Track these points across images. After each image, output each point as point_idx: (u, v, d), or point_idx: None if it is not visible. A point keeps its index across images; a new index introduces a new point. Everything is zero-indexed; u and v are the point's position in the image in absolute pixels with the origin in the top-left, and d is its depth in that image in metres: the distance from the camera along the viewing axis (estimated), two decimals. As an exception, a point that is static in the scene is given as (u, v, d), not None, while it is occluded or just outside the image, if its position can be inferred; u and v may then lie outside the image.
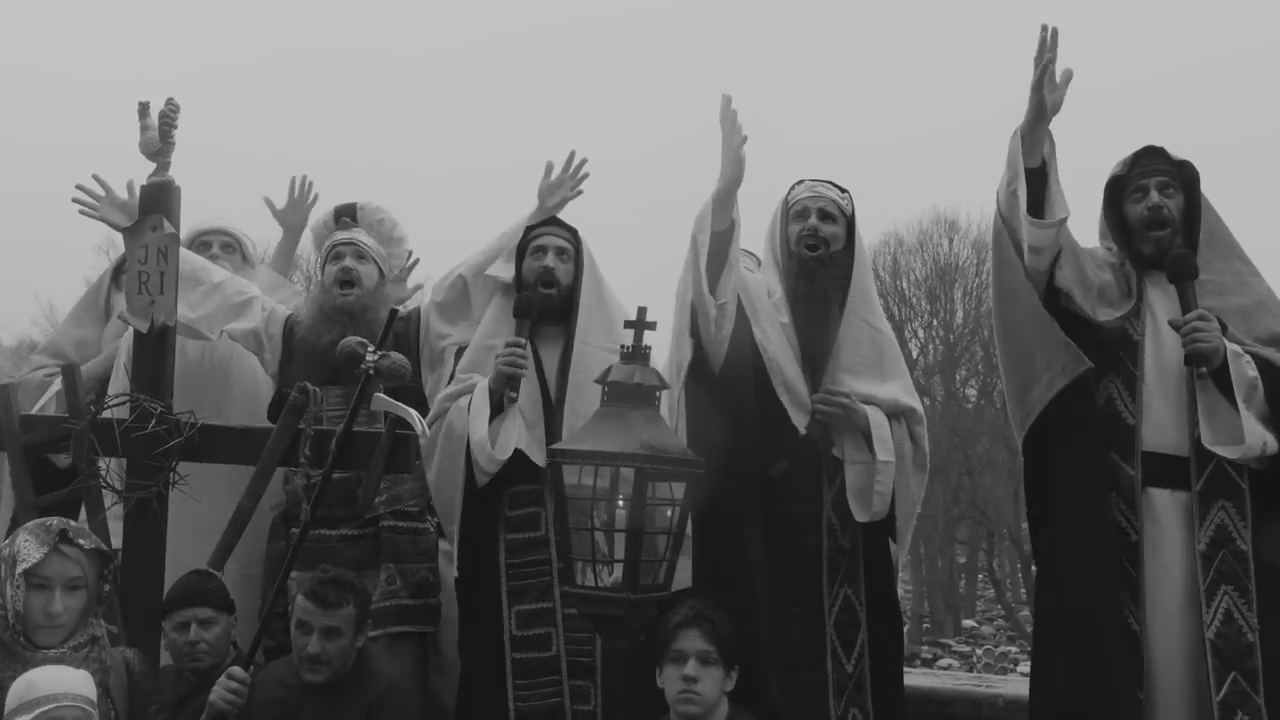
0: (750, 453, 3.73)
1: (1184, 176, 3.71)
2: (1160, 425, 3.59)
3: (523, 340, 3.81)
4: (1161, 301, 3.63)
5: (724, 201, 3.66)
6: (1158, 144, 3.76)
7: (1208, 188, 3.74)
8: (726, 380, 3.75)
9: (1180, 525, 3.54)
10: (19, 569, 3.08)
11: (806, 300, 3.85)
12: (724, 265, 3.68)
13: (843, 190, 3.97)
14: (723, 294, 3.67)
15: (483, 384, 3.85)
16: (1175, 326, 3.42)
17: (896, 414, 3.87)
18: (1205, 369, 3.39)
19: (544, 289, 3.96)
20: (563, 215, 4.21)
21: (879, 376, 3.89)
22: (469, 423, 3.80)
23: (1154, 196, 3.66)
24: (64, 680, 2.87)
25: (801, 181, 4.01)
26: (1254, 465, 3.48)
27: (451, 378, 4.06)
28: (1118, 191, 3.77)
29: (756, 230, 4.11)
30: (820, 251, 3.86)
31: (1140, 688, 3.50)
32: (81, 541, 3.21)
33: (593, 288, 4.08)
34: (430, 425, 3.93)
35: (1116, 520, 3.59)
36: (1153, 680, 3.53)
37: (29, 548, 3.11)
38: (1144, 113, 54.38)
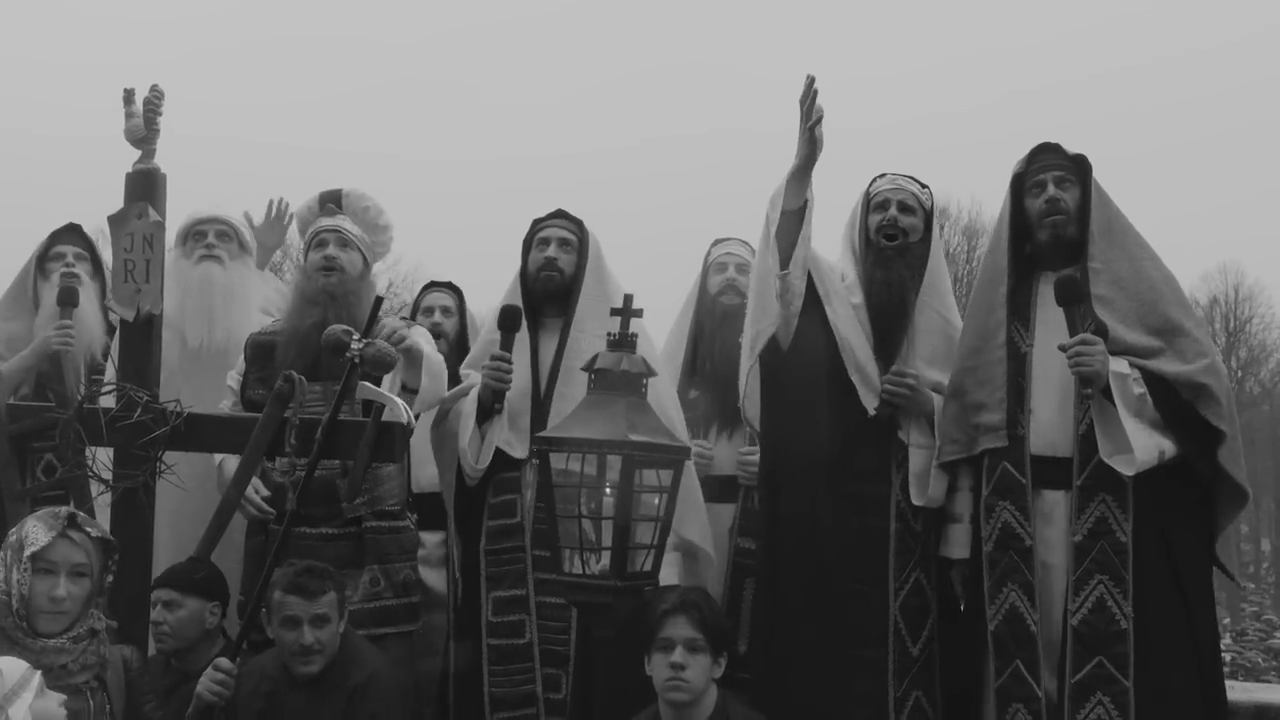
0: (818, 432, 3.82)
1: (1079, 170, 3.80)
2: (1048, 428, 3.68)
3: (506, 355, 3.86)
4: (1051, 312, 3.67)
5: (798, 179, 3.73)
6: (1052, 140, 3.85)
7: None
8: (795, 359, 3.84)
9: (1067, 521, 3.63)
10: (26, 552, 3.08)
11: (881, 286, 3.94)
12: (795, 243, 3.74)
13: (923, 185, 4.07)
14: (790, 268, 3.73)
15: (473, 393, 3.96)
16: (1062, 350, 3.51)
17: None
18: (1090, 390, 3.46)
19: (546, 274, 4.06)
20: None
21: (950, 367, 3.96)
22: (460, 428, 3.92)
23: (1051, 190, 3.77)
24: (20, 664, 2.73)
25: (883, 175, 4.11)
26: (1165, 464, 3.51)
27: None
28: (1019, 188, 3.85)
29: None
30: (898, 241, 3.97)
31: (1038, 684, 3.59)
32: (89, 529, 3.22)
33: (595, 276, 4.11)
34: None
35: (1011, 525, 3.67)
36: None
37: (37, 532, 3.12)
38: (1142, 105, 54.43)
